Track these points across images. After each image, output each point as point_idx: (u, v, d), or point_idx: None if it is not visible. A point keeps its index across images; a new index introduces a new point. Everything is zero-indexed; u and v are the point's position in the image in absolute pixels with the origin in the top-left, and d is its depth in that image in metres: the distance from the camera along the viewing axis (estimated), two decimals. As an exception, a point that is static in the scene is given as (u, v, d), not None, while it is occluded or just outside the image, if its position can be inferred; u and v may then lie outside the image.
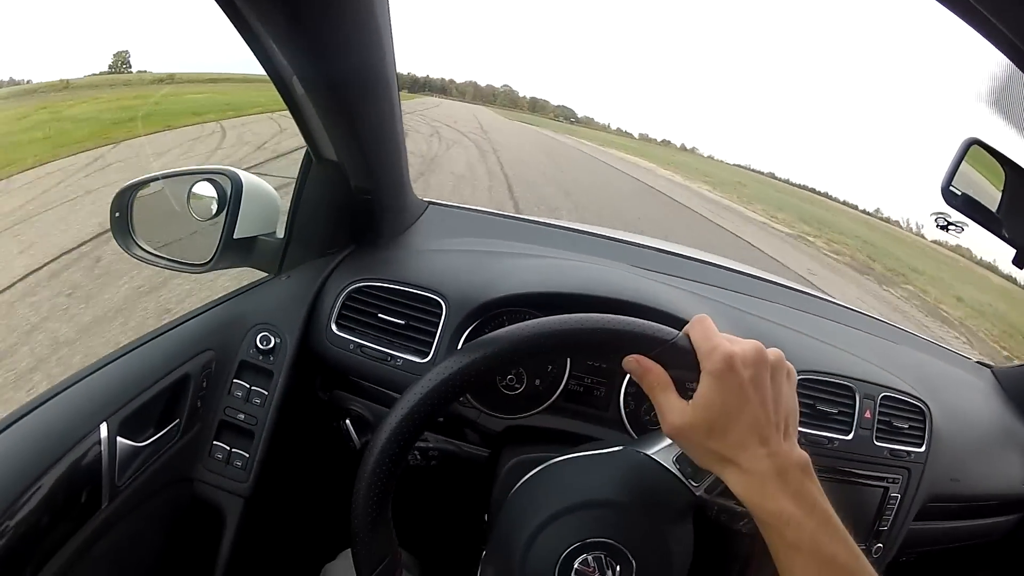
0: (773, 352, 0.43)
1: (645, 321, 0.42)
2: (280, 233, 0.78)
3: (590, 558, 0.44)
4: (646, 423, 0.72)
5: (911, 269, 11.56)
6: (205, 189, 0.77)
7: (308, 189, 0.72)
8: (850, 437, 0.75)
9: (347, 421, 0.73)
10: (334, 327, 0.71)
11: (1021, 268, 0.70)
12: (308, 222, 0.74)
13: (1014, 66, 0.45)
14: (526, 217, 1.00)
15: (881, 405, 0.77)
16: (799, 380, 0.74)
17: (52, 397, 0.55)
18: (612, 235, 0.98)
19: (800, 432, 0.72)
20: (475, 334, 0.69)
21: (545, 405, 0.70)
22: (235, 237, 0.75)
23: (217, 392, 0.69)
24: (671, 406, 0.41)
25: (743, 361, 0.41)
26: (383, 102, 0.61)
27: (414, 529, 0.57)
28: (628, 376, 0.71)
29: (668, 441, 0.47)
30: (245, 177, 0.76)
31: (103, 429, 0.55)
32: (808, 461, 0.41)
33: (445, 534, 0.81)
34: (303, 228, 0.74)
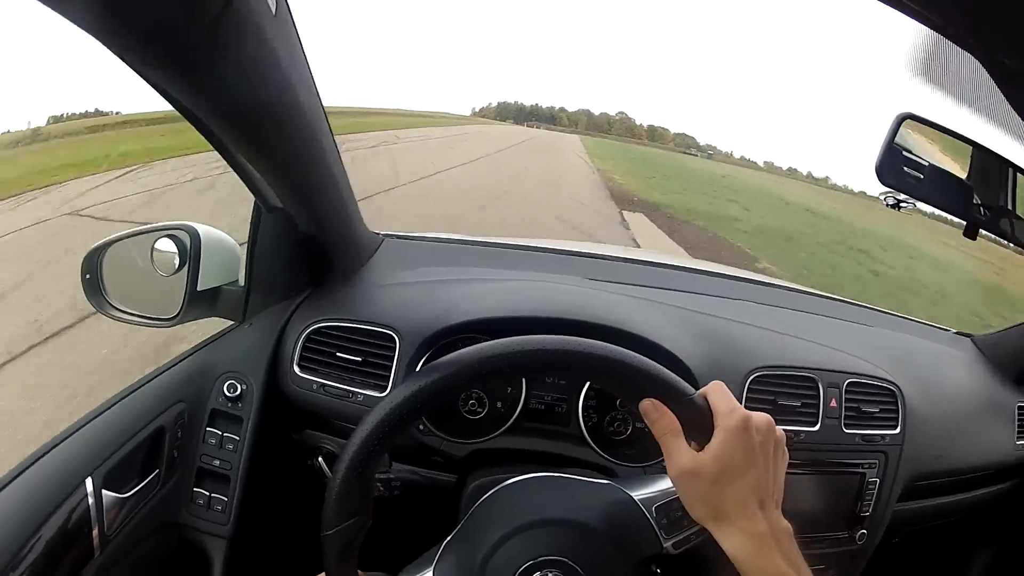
0: (779, 429, 0.47)
1: (670, 373, 0.45)
2: (243, 282, 0.80)
3: (550, 574, 0.45)
4: (609, 434, 0.73)
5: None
6: (166, 245, 0.79)
7: (261, 238, 0.74)
8: (817, 428, 0.75)
9: (319, 459, 0.75)
10: (297, 369, 0.74)
11: (972, 238, 0.69)
12: (265, 269, 0.76)
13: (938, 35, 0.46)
14: (482, 240, 1.02)
15: (847, 392, 0.77)
16: (758, 376, 0.74)
17: (39, 458, 0.58)
18: (568, 248, 1.00)
19: None
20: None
21: (506, 426, 0.71)
22: (199, 289, 0.77)
23: (192, 440, 0.72)
24: (681, 451, 0.44)
25: (757, 427, 0.45)
26: (312, 144, 0.62)
27: (382, 558, 0.58)
28: (585, 391, 0.72)
29: (654, 489, 0.49)
30: (203, 230, 0.78)
31: (88, 483, 0.58)
32: (791, 530, 0.45)
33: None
34: (261, 275, 0.77)
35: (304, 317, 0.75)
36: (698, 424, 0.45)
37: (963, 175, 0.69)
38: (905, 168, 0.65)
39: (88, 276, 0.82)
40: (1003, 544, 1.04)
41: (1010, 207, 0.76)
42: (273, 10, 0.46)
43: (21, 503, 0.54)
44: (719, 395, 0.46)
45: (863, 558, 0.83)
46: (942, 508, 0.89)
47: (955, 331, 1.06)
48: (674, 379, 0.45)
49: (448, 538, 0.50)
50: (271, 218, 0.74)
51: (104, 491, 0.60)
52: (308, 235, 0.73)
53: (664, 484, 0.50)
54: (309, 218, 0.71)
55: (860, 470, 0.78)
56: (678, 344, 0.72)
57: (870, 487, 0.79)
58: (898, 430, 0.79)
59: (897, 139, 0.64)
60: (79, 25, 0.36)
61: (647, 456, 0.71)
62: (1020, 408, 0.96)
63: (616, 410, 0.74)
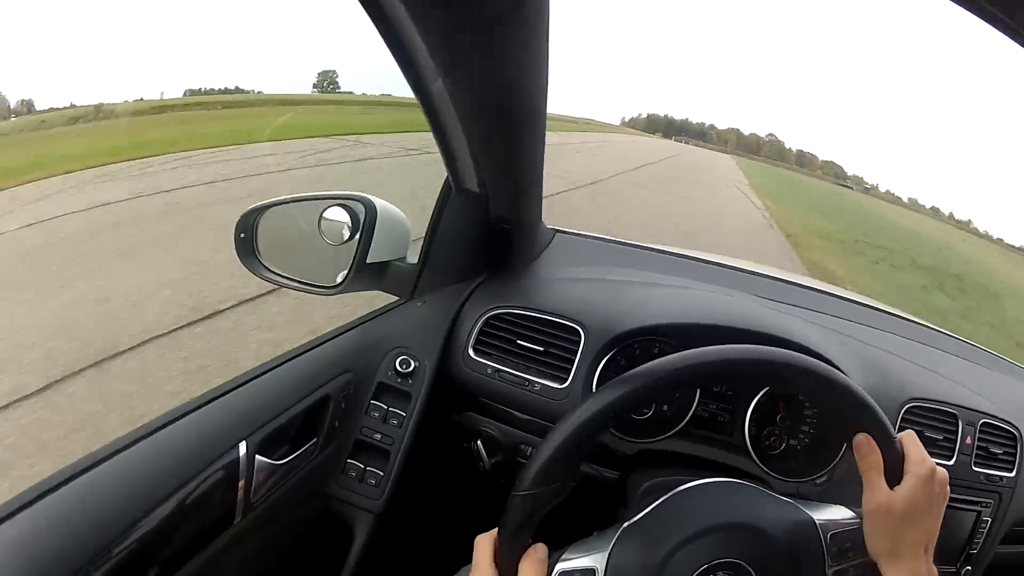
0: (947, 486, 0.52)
1: (882, 413, 0.49)
2: (411, 258, 0.80)
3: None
4: (765, 448, 0.75)
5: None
6: (337, 214, 0.78)
7: (446, 217, 0.74)
8: (952, 463, 0.78)
9: (478, 442, 0.75)
10: (471, 352, 0.74)
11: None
12: (443, 249, 0.76)
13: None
14: (648, 245, 1.03)
15: (980, 431, 0.81)
16: (911, 407, 0.77)
17: (195, 409, 0.57)
18: (734, 264, 1.02)
19: None
20: (612, 362, 0.72)
21: (676, 429, 0.72)
22: (368, 261, 0.77)
23: (355, 412, 0.71)
24: (881, 487, 0.49)
25: (940, 481, 0.50)
26: (535, 133, 0.62)
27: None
28: (753, 403, 0.74)
29: (832, 517, 0.52)
30: (379, 204, 0.78)
31: (242, 448, 0.57)
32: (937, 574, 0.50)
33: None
34: (439, 255, 0.76)
35: (482, 301, 0.75)
36: (893, 466, 0.49)
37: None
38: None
39: (243, 235, 0.80)
40: None
41: None
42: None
43: (167, 456, 0.52)
44: (913, 443, 0.51)
45: None
46: None
47: None
48: (887, 420, 0.49)
49: (626, 524, 0.50)
50: (459, 199, 0.74)
51: (258, 456, 0.58)
52: (496, 219, 0.74)
53: (840, 514, 0.53)
54: (504, 202, 0.71)
55: (978, 507, 0.82)
56: (846, 368, 0.74)
57: (982, 525, 0.82)
58: (1014, 473, 0.84)
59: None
60: None
61: (800, 473, 0.73)
62: None
63: (774, 424, 0.76)
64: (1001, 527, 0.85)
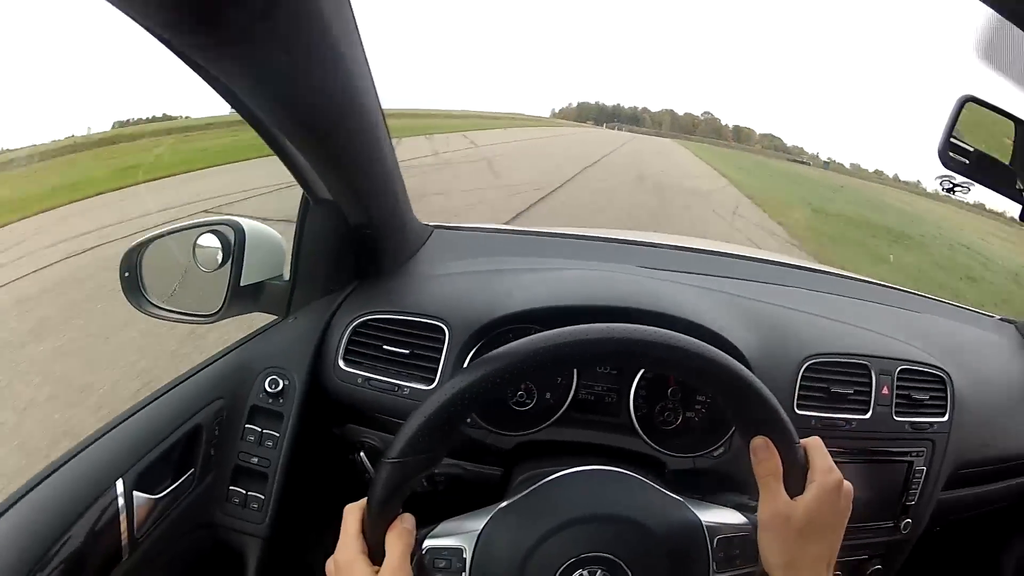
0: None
1: (786, 415, 0.46)
2: (287, 275, 0.79)
3: (599, 571, 0.45)
4: (659, 424, 0.72)
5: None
6: (209, 240, 0.78)
7: (307, 230, 0.73)
8: (868, 416, 0.74)
9: (361, 453, 0.74)
10: (342, 363, 0.72)
11: (1030, 222, 0.69)
12: (311, 263, 0.75)
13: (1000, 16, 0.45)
14: (533, 230, 1.00)
15: (899, 379, 0.76)
16: (812, 364, 0.73)
17: (71, 459, 0.58)
18: (619, 237, 0.99)
19: (815, 417, 0.72)
20: (479, 355, 0.70)
21: (555, 417, 0.70)
22: (242, 284, 0.76)
23: (230, 438, 0.71)
24: (779, 495, 0.46)
25: (847, 494, 0.47)
26: (367, 135, 0.61)
27: None
28: (637, 379, 0.71)
29: (722, 520, 0.49)
30: (248, 224, 0.77)
31: (119, 485, 0.58)
32: None
33: None
34: (307, 269, 0.75)
35: (350, 310, 0.74)
36: (795, 473, 0.46)
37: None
38: (968, 152, 0.64)
39: (127, 274, 0.80)
40: None
41: None
42: None
43: (49, 505, 0.53)
44: (818, 450, 0.48)
45: (907, 547, 0.82)
46: (986, 496, 0.89)
47: (999, 317, 1.06)
48: (789, 423, 0.46)
49: (498, 508, 0.49)
50: (319, 210, 0.73)
51: (136, 492, 0.59)
52: (357, 227, 0.72)
53: (733, 518, 0.49)
54: (359, 210, 0.70)
55: (908, 458, 0.78)
56: (733, 332, 0.71)
57: (917, 476, 0.78)
58: (946, 418, 0.79)
59: (960, 122, 0.63)
60: (130, 15, 0.35)
61: (695, 447, 0.70)
62: None
63: (666, 399, 0.73)
64: (940, 474, 0.80)
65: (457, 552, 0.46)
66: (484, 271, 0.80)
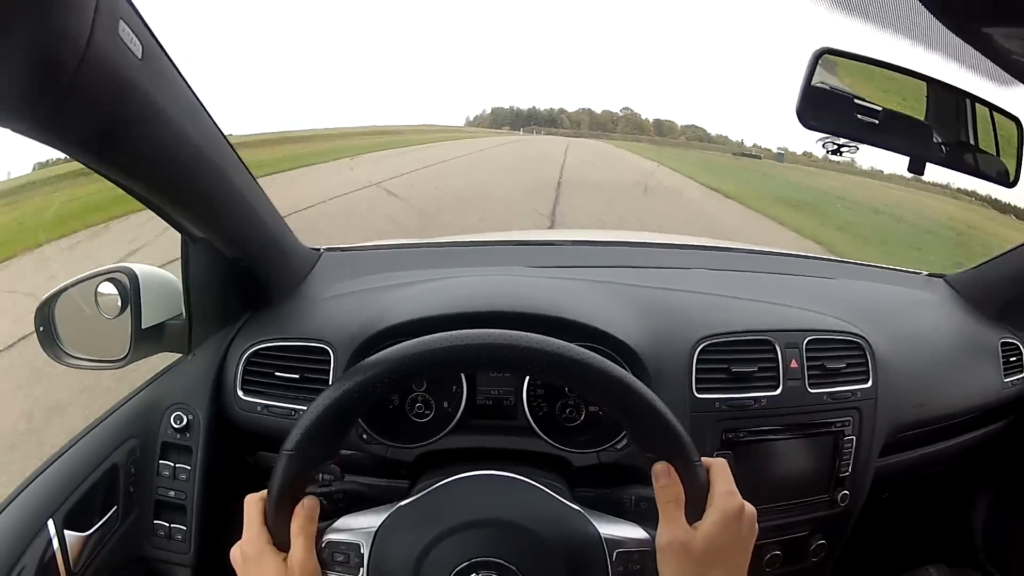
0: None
1: (688, 437, 0.45)
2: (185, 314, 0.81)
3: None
4: (562, 421, 0.71)
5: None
6: (108, 288, 0.80)
7: (192, 269, 0.74)
8: (779, 392, 0.72)
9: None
10: (241, 393, 0.74)
11: (917, 173, 0.65)
12: (201, 300, 0.77)
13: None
14: (422, 241, 1.00)
15: (808, 350, 0.73)
16: (707, 346, 0.71)
17: (5, 506, 0.62)
18: (509, 239, 0.98)
19: (719, 399, 0.70)
20: None
21: (452, 425, 0.70)
22: (144, 327, 0.78)
23: (147, 474, 0.74)
24: (678, 522, 0.44)
25: (749, 519, 0.46)
26: (213, 175, 0.62)
27: None
28: (526, 382, 0.70)
29: (623, 534, 0.48)
30: (140, 269, 0.79)
31: (51, 525, 0.61)
32: None
33: None
34: (199, 306, 0.77)
35: (243, 341, 0.76)
36: (695, 497, 0.45)
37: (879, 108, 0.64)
38: (829, 108, 0.61)
39: (42, 329, 0.83)
40: (1003, 486, 0.99)
41: (970, 137, 0.71)
42: (139, 55, 0.46)
43: None
44: (720, 473, 0.46)
45: (850, 518, 0.80)
46: (930, 457, 0.86)
47: (927, 273, 1.01)
48: (691, 445, 0.45)
49: (397, 506, 0.50)
50: (198, 248, 0.73)
51: (66, 531, 0.63)
52: (235, 260, 0.73)
53: (634, 533, 0.48)
54: (231, 244, 0.71)
55: (833, 429, 0.75)
56: (619, 324, 0.69)
57: (847, 446, 0.76)
58: (870, 384, 0.76)
59: (818, 80, 0.60)
60: None
61: (600, 441, 0.69)
62: (1003, 344, 0.91)
63: (567, 397, 0.72)
64: (873, 442, 0.78)
65: (355, 547, 0.47)
66: (370, 288, 0.81)
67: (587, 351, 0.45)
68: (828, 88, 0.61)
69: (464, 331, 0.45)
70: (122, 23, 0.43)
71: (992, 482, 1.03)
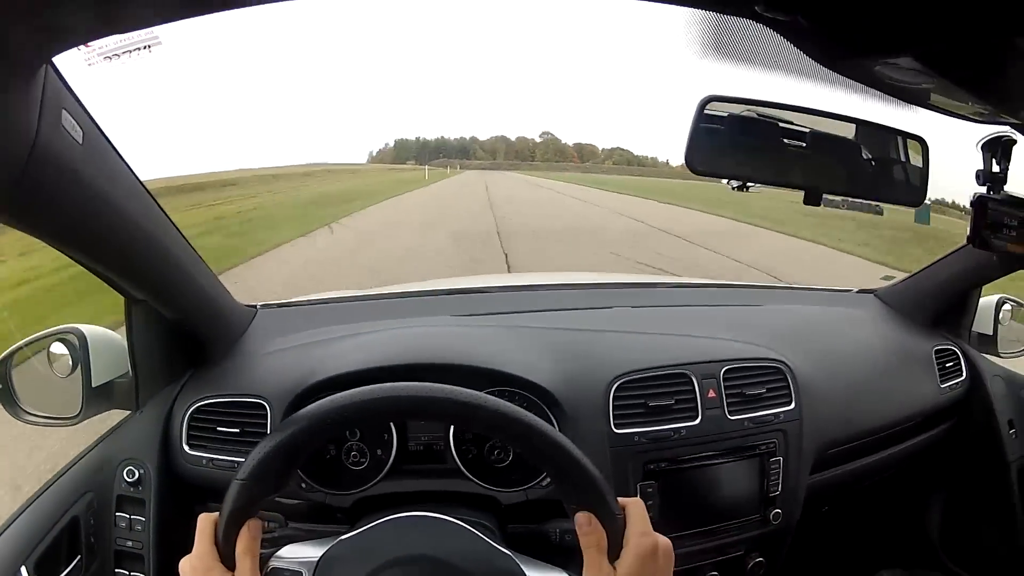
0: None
1: (607, 485, 0.48)
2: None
3: None
4: (491, 463, 0.74)
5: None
6: (59, 348, 0.84)
7: (134, 328, 0.78)
8: (698, 422, 0.74)
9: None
10: (187, 447, 0.77)
11: (813, 204, 0.67)
12: (146, 358, 0.80)
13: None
14: (354, 295, 1.03)
15: (726, 379, 0.76)
16: (622, 383, 0.74)
17: None
18: (437, 288, 1.01)
19: (637, 432, 0.73)
20: None
21: (384, 471, 0.73)
22: (94, 386, 0.82)
23: (106, 526, 0.77)
24: (601, 566, 0.47)
25: (665, 553, 0.48)
26: (148, 244, 0.65)
27: None
28: (452, 429, 0.73)
29: None
30: (88, 330, 0.82)
31: (23, 572, 0.65)
32: None
33: None
34: (144, 364, 0.80)
35: (187, 397, 0.79)
36: (615, 539, 0.48)
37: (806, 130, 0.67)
38: (718, 154, 0.63)
39: (0, 387, 0.87)
40: (953, 487, 1.01)
41: (901, 158, 0.73)
42: (80, 140, 0.49)
43: None
44: (636, 514, 0.49)
45: (786, 535, 0.82)
46: (867, 468, 0.88)
47: (856, 290, 1.04)
48: (611, 494, 0.48)
49: (339, 539, 0.53)
50: (138, 309, 0.77)
51: None
52: (176, 320, 0.76)
53: None
54: (168, 307, 0.74)
55: (758, 452, 0.77)
56: (533, 368, 0.72)
57: (774, 466, 0.78)
58: (792, 406, 0.78)
59: (703, 125, 0.63)
60: None
61: (527, 480, 0.72)
62: (938, 351, 0.93)
63: (494, 439, 0.74)
64: (801, 461, 0.80)
65: (297, 575, 0.51)
66: (303, 344, 0.84)
67: (506, 403, 0.48)
68: (713, 133, 0.63)
69: (405, 384, 0.49)
70: (64, 112, 0.46)
71: (943, 484, 1.05)
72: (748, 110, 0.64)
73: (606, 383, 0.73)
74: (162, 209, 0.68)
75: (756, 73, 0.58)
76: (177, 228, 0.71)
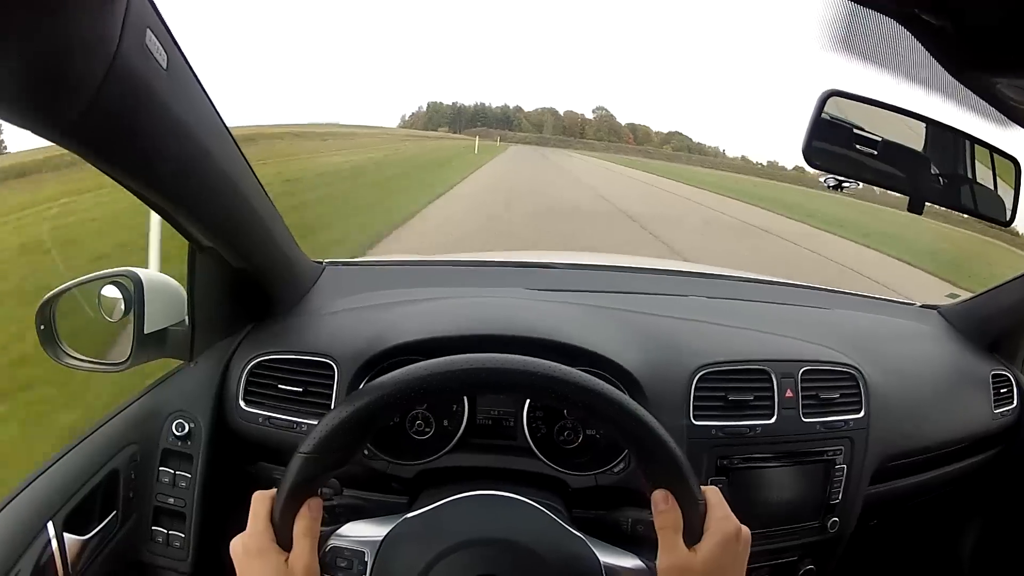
0: None
1: (691, 468, 0.47)
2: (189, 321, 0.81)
3: None
4: (560, 443, 0.72)
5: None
6: (112, 291, 0.80)
7: (198, 277, 0.75)
8: (773, 421, 0.73)
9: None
10: (243, 404, 0.74)
11: (917, 212, 0.66)
12: (206, 308, 0.77)
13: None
14: (425, 259, 1.01)
15: (803, 380, 0.75)
16: (705, 374, 0.72)
17: (2, 507, 0.62)
18: (512, 260, 0.99)
19: (715, 426, 0.71)
20: None
21: (452, 444, 0.71)
22: (146, 332, 0.78)
23: (147, 481, 0.74)
24: (678, 547, 0.46)
25: (744, 540, 0.48)
26: (226, 186, 0.62)
27: None
28: (527, 403, 0.71)
29: (622, 562, 0.49)
30: (145, 275, 0.79)
31: (50, 527, 0.61)
32: None
33: None
34: (203, 314, 0.77)
35: (246, 352, 0.76)
36: (693, 522, 0.46)
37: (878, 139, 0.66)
38: (835, 148, 0.62)
39: (43, 327, 0.83)
40: (991, 515, 1.01)
41: (969, 175, 0.73)
42: (164, 65, 0.46)
43: None
44: (717, 500, 0.48)
45: (839, 545, 0.81)
46: (920, 486, 0.88)
47: (920, 304, 1.03)
48: (692, 477, 0.47)
49: (404, 517, 0.51)
50: (204, 257, 0.74)
51: (66, 534, 0.63)
52: (241, 271, 0.73)
53: (632, 562, 0.50)
54: (238, 255, 0.71)
55: (825, 458, 0.77)
56: (618, 351, 0.70)
57: (837, 474, 0.77)
58: (862, 414, 0.77)
59: (824, 117, 0.61)
60: None
61: (598, 463, 0.70)
62: (994, 376, 0.93)
63: (565, 419, 0.73)
64: (863, 471, 0.79)
65: (359, 555, 0.48)
66: (372, 305, 0.82)
67: (595, 379, 0.47)
68: (833, 129, 0.62)
69: (491, 355, 0.47)
70: (149, 32, 0.43)
71: (980, 511, 1.05)
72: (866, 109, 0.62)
73: (690, 372, 0.72)
74: (242, 153, 0.65)
75: (870, 71, 0.57)
76: (255, 174, 0.68)
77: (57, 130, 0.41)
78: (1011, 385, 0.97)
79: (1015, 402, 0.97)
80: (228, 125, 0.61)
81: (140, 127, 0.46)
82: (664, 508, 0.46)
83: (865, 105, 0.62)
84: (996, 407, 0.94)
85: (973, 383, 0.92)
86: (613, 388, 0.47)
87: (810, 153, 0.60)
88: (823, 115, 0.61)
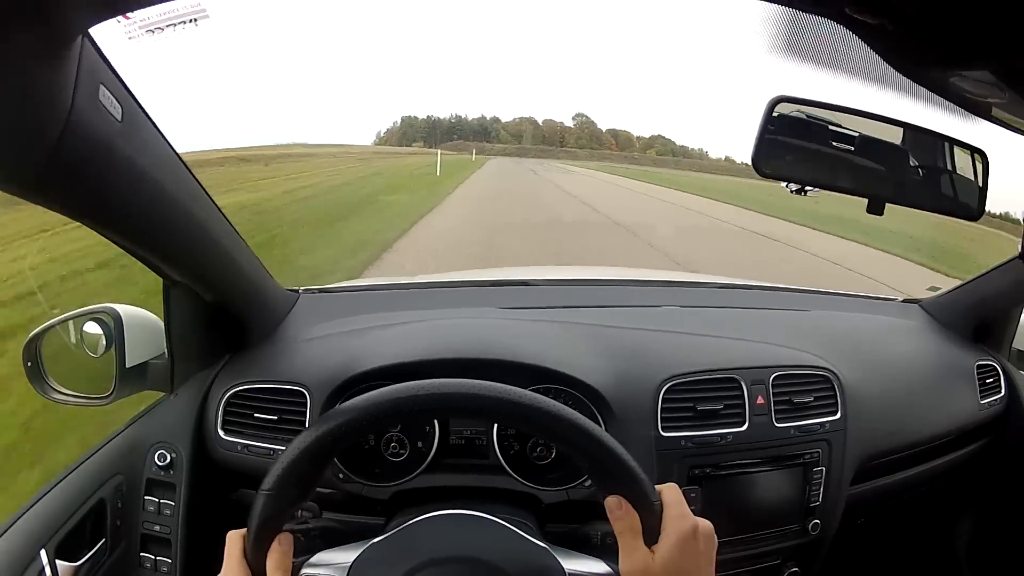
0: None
1: (642, 473, 0.47)
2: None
3: None
4: (533, 460, 0.73)
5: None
6: (93, 328, 0.83)
7: (172, 310, 0.77)
8: (744, 428, 0.73)
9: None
10: (222, 433, 0.76)
11: (876, 214, 0.66)
12: (183, 340, 0.79)
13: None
14: (399, 283, 1.02)
15: (775, 386, 0.75)
16: (672, 385, 0.73)
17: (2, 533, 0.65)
18: (483, 279, 0.99)
19: (684, 436, 0.72)
20: None
21: (425, 464, 0.72)
22: (128, 366, 0.80)
23: (134, 509, 0.76)
24: (638, 549, 0.46)
25: (705, 535, 0.47)
26: (189, 226, 0.64)
27: None
28: (496, 424, 0.72)
29: (588, 568, 0.50)
30: (123, 310, 0.81)
31: (43, 555, 0.64)
32: None
33: None
34: (181, 346, 0.79)
35: (224, 382, 0.78)
36: (650, 523, 0.47)
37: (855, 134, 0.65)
38: (785, 156, 0.62)
39: (30, 364, 0.86)
40: (984, 507, 1.00)
41: (932, 172, 0.72)
42: (119, 117, 0.48)
43: None
44: (672, 499, 0.48)
45: (822, 546, 0.81)
46: (908, 481, 0.87)
47: (902, 299, 1.02)
48: (647, 480, 0.47)
49: (371, 542, 0.51)
50: (177, 291, 0.76)
51: (58, 560, 0.65)
52: (214, 304, 0.75)
53: (597, 567, 0.50)
54: (207, 289, 0.73)
55: (802, 461, 0.76)
56: (584, 367, 0.71)
57: (816, 476, 0.77)
58: (838, 416, 0.77)
59: (771, 125, 0.61)
60: None
61: (570, 478, 0.71)
62: (979, 367, 0.92)
63: (536, 437, 0.73)
64: (843, 472, 0.79)
65: None
66: (345, 331, 0.83)
67: (539, 396, 0.47)
68: (782, 136, 0.62)
69: (431, 381, 0.47)
70: (103, 88, 0.45)
71: (974, 501, 1.04)
72: (813, 113, 0.62)
73: (656, 385, 0.72)
74: (204, 189, 0.66)
75: (821, 73, 0.57)
76: (220, 209, 0.70)
77: (14, 184, 0.43)
78: (997, 375, 0.96)
79: (1002, 391, 0.96)
80: (184, 158, 0.63)
81: (100, 178, 0.48)
82: (619, 513, 0.46)
83: (816, 110, 0.62)
84: (983, 397, 0.93)
85: (958, 375, 0.91)
86: (557, 404, 0.47)
87: (760, 162, 0.60)
88: (771, 123, 0.61)
